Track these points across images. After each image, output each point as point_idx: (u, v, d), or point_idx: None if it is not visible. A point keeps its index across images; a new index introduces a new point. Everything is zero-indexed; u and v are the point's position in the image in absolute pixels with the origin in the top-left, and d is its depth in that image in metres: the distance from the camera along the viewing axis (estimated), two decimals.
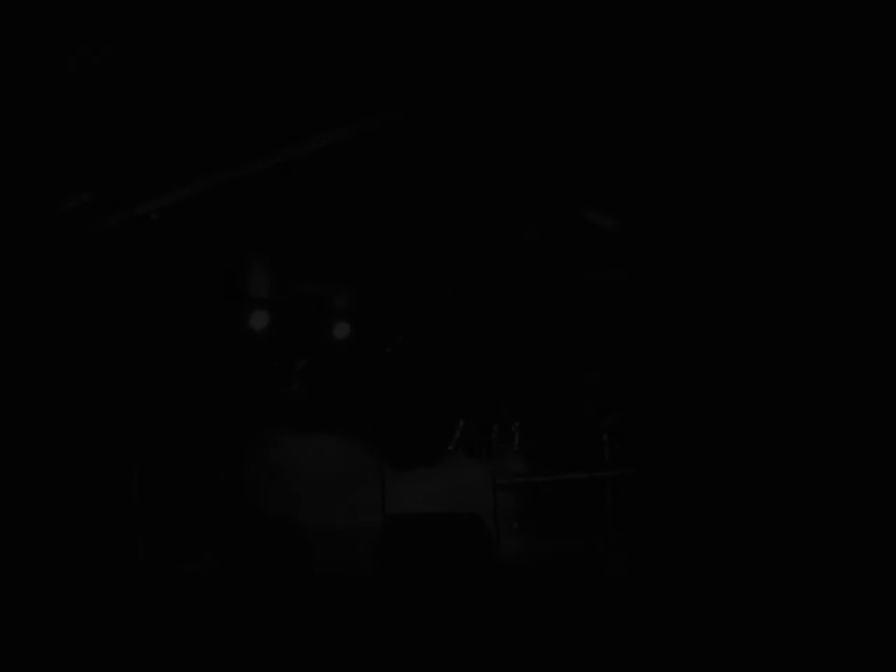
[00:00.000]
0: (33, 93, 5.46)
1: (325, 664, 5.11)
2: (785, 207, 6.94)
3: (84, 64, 5.08)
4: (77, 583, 7.63)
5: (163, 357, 9.17)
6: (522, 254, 9.47)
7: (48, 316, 7.90)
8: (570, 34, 5.59)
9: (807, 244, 6.82)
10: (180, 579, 8.27)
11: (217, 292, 9.66)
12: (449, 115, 6.37)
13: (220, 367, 10.03)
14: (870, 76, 5.75)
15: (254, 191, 7.20)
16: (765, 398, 7.38)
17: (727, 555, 6.76)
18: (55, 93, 5.42)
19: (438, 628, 5.60)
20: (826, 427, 6.62)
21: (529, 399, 9.98)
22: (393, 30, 5.35)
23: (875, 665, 4.03)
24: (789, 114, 6.35)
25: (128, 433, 8.89)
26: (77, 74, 5.13)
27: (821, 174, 6.70)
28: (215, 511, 8.80)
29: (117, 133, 6.06)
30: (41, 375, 8.05)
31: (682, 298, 8.61)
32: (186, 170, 6.60)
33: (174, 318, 9.23)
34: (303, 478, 8.82)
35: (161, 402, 9.15)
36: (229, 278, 9.56)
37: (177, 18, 5.05)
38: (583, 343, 9.79)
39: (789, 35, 5.56)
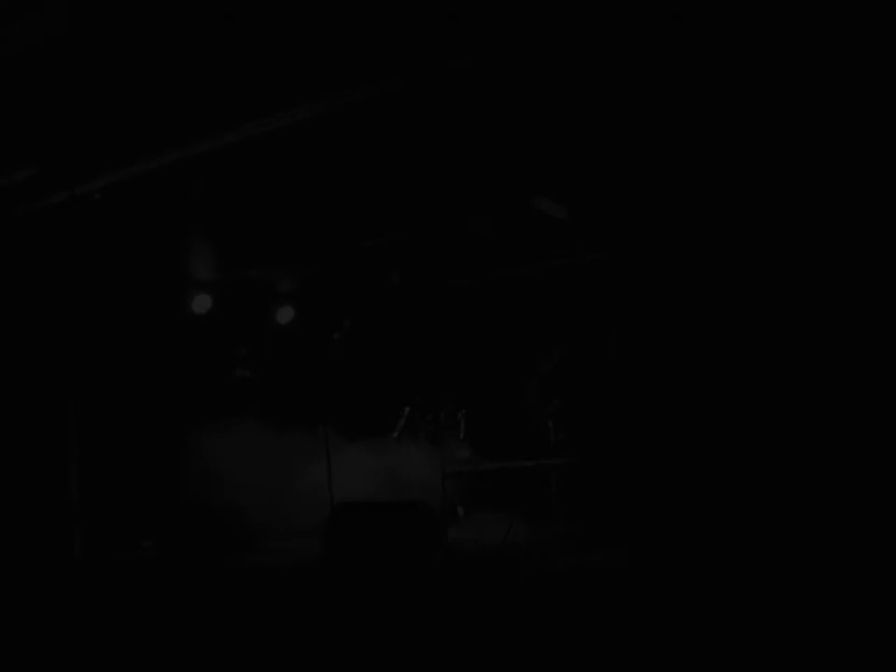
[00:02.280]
0: None
1: (264, 654, 5.01)
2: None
3: (27, 37, 4.88)
4: (12, 572, 7.45)
5: (101, 341, 8.92)
6: (470, 242, 9.46)
7: None
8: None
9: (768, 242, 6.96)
10: (119, 566, 8.10)
11: (158, 275, 9.44)
12: (403, 100, 6.31)
13: (161, 352, 9.81)
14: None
15: (200, 172, 7.05)
16: (712, 382, 7.49)
17: (677, 541, 6.85)
18: None
19: (383, 620, 5.54)
20: (779, 417, 6.75)
21: (474, 386, 9.96)
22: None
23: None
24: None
25: (64, 419, 8.64)
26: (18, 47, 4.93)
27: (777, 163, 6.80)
28: (154, 498, 8.60)
29: (59, 109, 5.85)
30: None
31: (629, 286, 8.68)
32: (132, 149, 6.42)
33: (113, 301, 8.99)
34: (246, 464, 8.66)
35: (99, 388, 8.90)
36: (171, 260, 9.35)
37: None
38: (528, 331, 9.80)
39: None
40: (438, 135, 7.06)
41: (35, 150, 6.36)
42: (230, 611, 6.03)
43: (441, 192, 8.22)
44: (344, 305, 10.32)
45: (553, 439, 8.79)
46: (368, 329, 10.43)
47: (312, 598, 6.26)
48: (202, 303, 10.23)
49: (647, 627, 4.87)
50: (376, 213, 8.65)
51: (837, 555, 5.71)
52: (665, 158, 7.40)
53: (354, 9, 5.16)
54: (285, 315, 11.19)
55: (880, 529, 5.88)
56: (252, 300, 10.85)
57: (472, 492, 8.94)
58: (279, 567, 7.36)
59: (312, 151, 7.11)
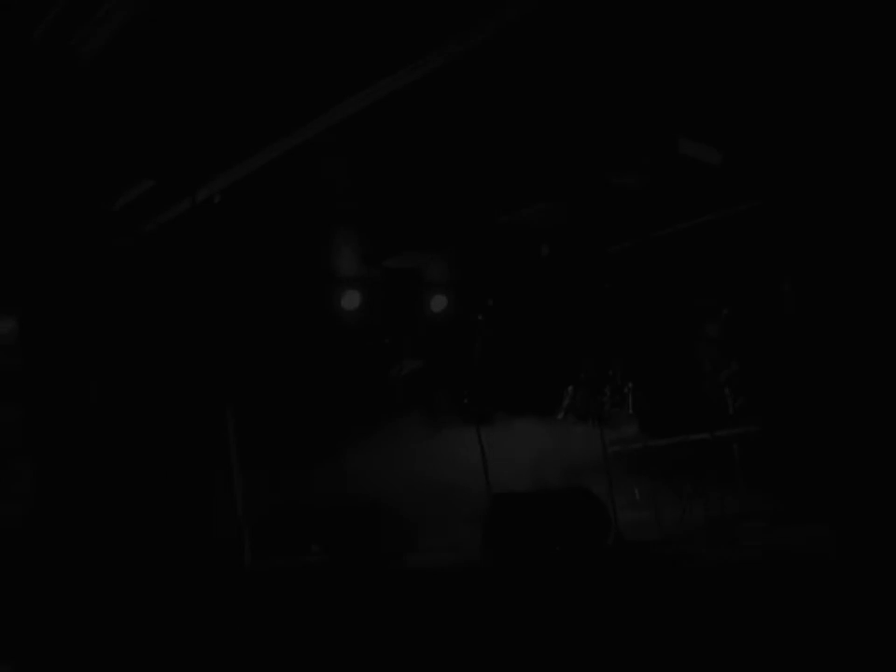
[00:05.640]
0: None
1: (431, 656, 4.69)
2: None
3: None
4: (183, 584, 7.46)
5: (252, 348, 8.85)
6: (620, 203, 8.82)
7: (122, 321, 7.65)
8: None
9: None
10: (289, 572, 8.01)
11: (302, 275, 9.31)
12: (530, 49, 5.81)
13: (315, 353, 9.70)
14: None
15: (325, 157, 6.72)
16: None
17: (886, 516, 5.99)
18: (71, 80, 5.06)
19: (551, 619, 5.05)
20: None
21: (640, 357, 9.28)
22: None
23: None
24: None
25: (228, 431, 8.63)
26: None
27: None
28: (319, 502, 8.47)
29: (164, 111, 5.67)
30: (132, 380, 7.88)
31: (794, 232, 7.80)
32: (243, 143, 6.18)
33: (258, 308, 8.90)
34: (406, 460, 8.39)
35: (254, 395, 8.84)
36: (312, 258, 9.19)
37: None
38: (692, 292, 9.05)
39: None
40: (572, 83, 6.48)
41: (149, 160, 6.23)
42: (393, 613, 5.77)
43: (582, 149, 7.62)
44: (493, 285, 9.88)
45: (731, 407, 8.05)
46: (521, 307, 9.96)
47: (476, 599, 5.87)
48: (351, 300, 10.10)
49: (860, 624, 4.14)
50: (518, 182, 8.18)
51: None
52: (825, 91, 6.56)
53: None
54: (438, 303, 10.92)
55: None
56: (402, 291, 10.60)
57: (646, 471, 8.27)
58: (440, 566, 7.02)
59: (440, 119, 6.68)
